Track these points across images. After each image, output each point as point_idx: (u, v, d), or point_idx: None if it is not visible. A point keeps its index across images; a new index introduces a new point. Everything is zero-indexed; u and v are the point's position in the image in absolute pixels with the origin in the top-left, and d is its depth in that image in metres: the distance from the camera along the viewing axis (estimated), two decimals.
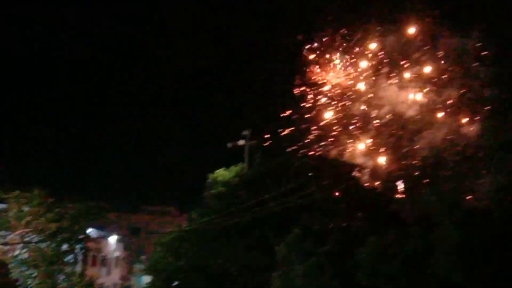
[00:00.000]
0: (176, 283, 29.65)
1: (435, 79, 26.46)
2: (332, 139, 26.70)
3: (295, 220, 26.50)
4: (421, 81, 26.49)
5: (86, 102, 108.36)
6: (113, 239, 59.66)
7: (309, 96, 27.18)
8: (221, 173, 31.83)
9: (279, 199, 25.94)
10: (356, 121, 26.63)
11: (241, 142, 36.97)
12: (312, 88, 26.99)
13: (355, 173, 28.38)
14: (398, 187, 26.73)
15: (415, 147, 25.49)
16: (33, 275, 33.37)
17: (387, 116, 26.09)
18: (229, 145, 37.54)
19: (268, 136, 28.80)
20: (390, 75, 26.52)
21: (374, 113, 26.41)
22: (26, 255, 33.44)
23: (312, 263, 23.99)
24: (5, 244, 32.68)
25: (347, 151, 26.53)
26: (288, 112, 27.08)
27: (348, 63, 27.12)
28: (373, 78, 26.58)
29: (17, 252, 33.42)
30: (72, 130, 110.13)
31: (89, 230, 41.29)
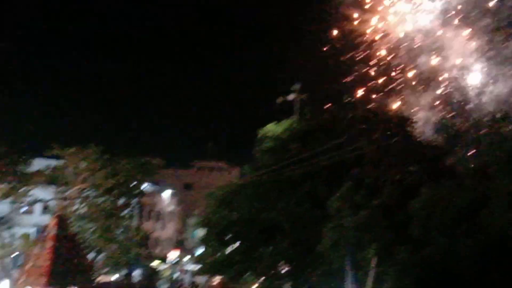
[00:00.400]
0: (229, 236, 30.06)
1: (503, 31, 25.34)
2: (393, 92, 26.09)
3: (347, 173, 26.37)
4: (488, 32, 25.37)
5: (140, 59, 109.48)
6: (167, 194, 60.86)
7: (366, 47, 26.52)
8: (271, 128, 31.73)
9: (330, 153, 25.78)
10: (420, 73, 25.85)
11: (291, 97, 36.68)
12: (372, 38, 26.24)
13: (410, 126, 27.96)
14: (457, 140, 26.14)
15: (481, 102, 24.69)
16: (92, 229, 34.46)
17: (454, 69, 25.23)
18: (279, 99, 37.32)
19: (319, 89, 28.44)
20: (459, 26, 25.46)
21: (440, 66, 25.57)
22: (84, 210, 34.51)
23: (364, 215, 23.88)
24: (64, 199, 33.75)
25: (407, 104, 25.96)
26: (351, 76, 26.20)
27: (414, 12, 26.12)
28: (441, 28, 25.59)
29: (76, 207, 34.51)
30: (127, 87, 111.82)
31: (144, 186, 42.19)
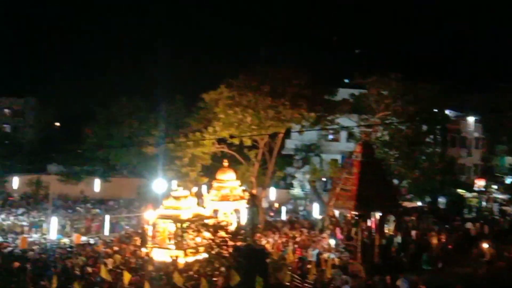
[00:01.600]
0: None
1: None
2: None
3: None
4: None
5: None
6: (472, 119, 58.18)
7: None
8: None
9: None
10: None
11: None
12: None
13: None
14: None
15: None
16: (395, 156, 34.76)
17: None
18: None
19: None
20: None
21: None
22: (387, 137, 34.91)
23: None
24: (368, 125, 34.60)
25: None
26: None
27: None
28: None
29: (379, 134, 35.14)
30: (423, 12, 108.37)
31: (447, 111, 40.89)
